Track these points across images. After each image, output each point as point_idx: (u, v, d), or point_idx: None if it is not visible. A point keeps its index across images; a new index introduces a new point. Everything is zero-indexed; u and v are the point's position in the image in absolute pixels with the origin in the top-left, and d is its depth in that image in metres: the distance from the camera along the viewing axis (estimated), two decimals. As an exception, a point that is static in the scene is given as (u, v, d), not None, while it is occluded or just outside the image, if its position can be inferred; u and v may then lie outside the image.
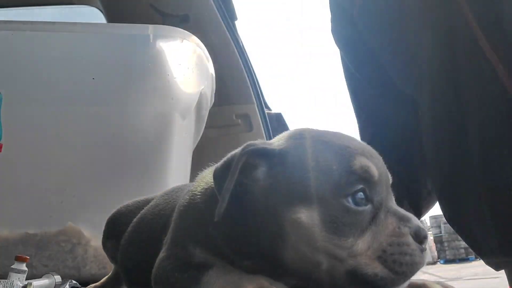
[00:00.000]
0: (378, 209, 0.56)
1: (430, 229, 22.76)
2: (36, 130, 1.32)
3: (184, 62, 1.45)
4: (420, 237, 0.56)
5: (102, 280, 1.06)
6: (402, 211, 0.57)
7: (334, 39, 1.12)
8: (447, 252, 19.91)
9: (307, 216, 0.54)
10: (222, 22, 2.00)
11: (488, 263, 0.90)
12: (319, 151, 0.57)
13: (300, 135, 0.60)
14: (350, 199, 0.54)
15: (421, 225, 0.57)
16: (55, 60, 1.35)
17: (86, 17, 2.29)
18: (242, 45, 2.09)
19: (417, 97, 0.92)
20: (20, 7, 2.27)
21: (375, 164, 0.57)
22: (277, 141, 0.60)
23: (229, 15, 2.05)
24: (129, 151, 1.37)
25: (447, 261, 19.20)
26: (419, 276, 0.60)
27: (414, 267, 0.55)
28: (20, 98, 1.31)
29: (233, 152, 0.59)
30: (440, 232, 20.39)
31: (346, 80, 1.13)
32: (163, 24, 1.74)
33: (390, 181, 0.60)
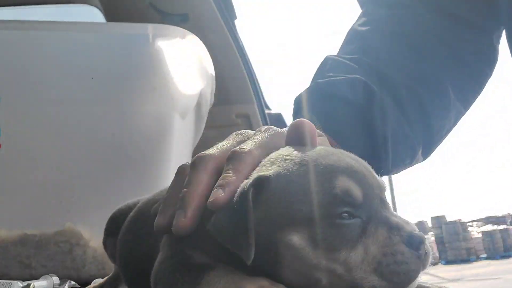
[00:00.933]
0: (367, 222, 0.56)
1: (431, 229, 22.81)
2: (35, 129, 1.31)
3: (183, 61, 1.44)
4: (414, 243, 0.55)
5: (101, 281, 1.05)
6: (395, 219, 0.56)
7: None
8: (448, 253, 19.96)
9: (298, 238, 0.56)
10: (222, 21, 2.00)
11: None
12: (303, 175, 0.57)
13: (284, 158, 0.60)
14: (340, 214, 0.55)
15: (415, 230, 0.55)
16: (53, 60, 1.34)
17: (85, 16, 2.29)
18: (242, 44, 2.09)
19: None
20: (19, 6, 2.27)
21: (358, 183, 0.57)
22: (265, 165, 0.61)
23: (229, 14, 2.05)
24: (128, 151, 1.36)
25: (448, 262, 19.24)
26: (419, 277, 0.59)
27: (411, 275, 0.55)
28: (18, 98, 1.30)
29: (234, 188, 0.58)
30: (441, 233, 20.43)
31: None
32: (163, 23, 1.74)
33: (384, 189, 0.61)
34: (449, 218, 21.23)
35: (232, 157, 0.61)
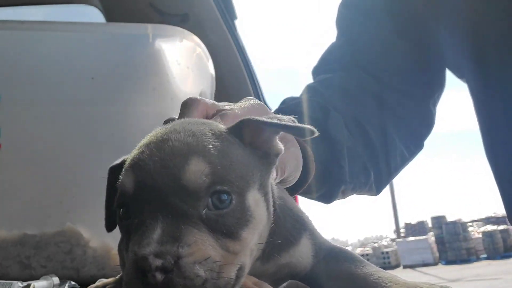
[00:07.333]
0: (133, 227, 0.52)
1: (432, 229, 22.77)
2: (34, 130, 1.31)
3: (183, 61, 1.44)
4: (137, 269, 0.48)
5: (105, 281, 1.05)
6: (153, 232, 0.49)
7: None
8: (449, 253, 19.93)
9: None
10: (222, 21, 2.00)
11: None
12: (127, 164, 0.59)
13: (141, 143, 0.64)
14: (119, 211, 0.55)
15: (149, 256, 0.47)
16: (53, 60, 1.34)
17: (85, 16, 2.29)
18: (242, 44, 2.08)
19: None
20: (19, 6, 2.27)
21: (135, 178, 0.54)
22: None
23: (229, 14, 2.05)
24: (128, 151, 1.36)
25: (449, 262, 19.21)
26: (420, 278, 0.58)
27: None
28: (18, 98, 1.30)
29: None
30: (442, 233, 20.39)
31: None
32: (163, 23, 1.73)
33: (182, 191, 0.53)
34: (449, 218, 21.19)
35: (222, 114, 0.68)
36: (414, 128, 1.20)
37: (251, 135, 0.59)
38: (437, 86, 1.20)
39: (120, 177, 0.56)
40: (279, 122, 0.58)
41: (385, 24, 1.18)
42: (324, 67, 1.23)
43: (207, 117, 0.69)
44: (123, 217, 0.55)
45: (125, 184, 0.54)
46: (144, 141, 0.60)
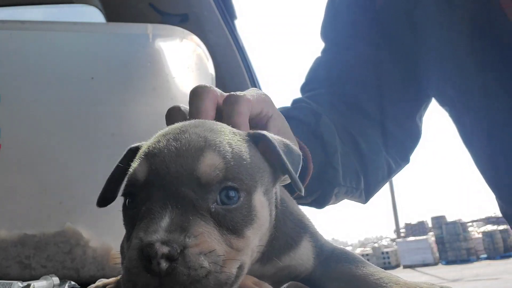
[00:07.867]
0: (141, 214, 0.52)
1: (432, 229, 22.78)
2: (34, 130, 1.31)
3: (183, 61, 1.44)
4: (144, 254, 0.48)
5: (105, 281, 1.05)
6: (162, 220, 0.49)
7: None
8: (449, 253, 19.95)
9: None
10: (222, 21, 2.00)
11: None
12: (140, 152, 0.59)
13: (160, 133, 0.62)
14: (126, 200, 0.55)
15: (156, 242, 0.47)
16: (53, 60, 1.34)
17: (85, 16, 2.29)
18: (242, 44, 2.08)
19: None
20: (19, 6, 2.27)
21: (149, 165, 0.54)
22: None
23: (229, 14, 2.05)
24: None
25: (449, 262, 19.23)
26: (420, 278, 0.58)
27: (134, 284, 0.49)
28: (18, 98, 1.30)
29: None
30: (442, 233, 20.41)
31: None
32: (162, 23, 1.73)
33: (195, 181, 0.53)
34: (449, 218, 21.21)
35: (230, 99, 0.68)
36: (401, 142, 1.22)
37: (265, 148, 0.61)
38: (424, 99, 1.22)
39: (133, 164, 0.56)
40: (289, 166, 0.58)
41: (375, 41, 1.20)
42: (311, 86, 1.26)
43: (217, 107, 0.69)
44: (129, 206, 0.55)
45: (137, 172, 0.54)
46: (161, 131, 0.60)
